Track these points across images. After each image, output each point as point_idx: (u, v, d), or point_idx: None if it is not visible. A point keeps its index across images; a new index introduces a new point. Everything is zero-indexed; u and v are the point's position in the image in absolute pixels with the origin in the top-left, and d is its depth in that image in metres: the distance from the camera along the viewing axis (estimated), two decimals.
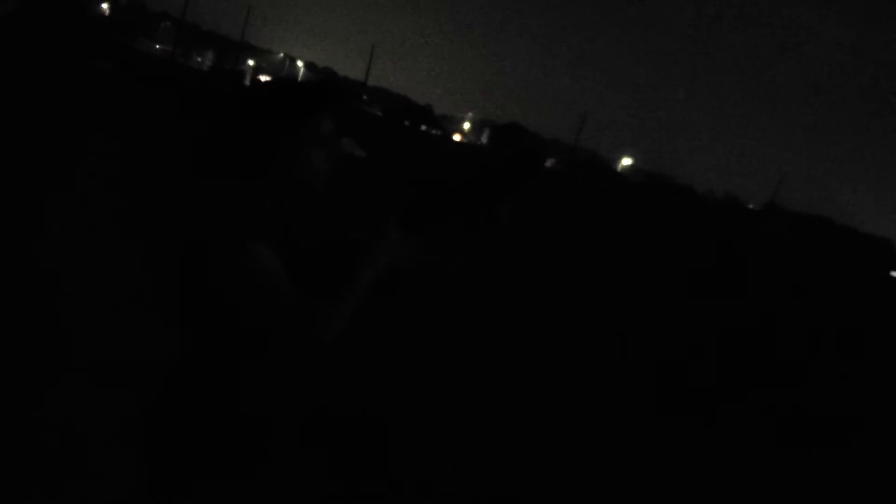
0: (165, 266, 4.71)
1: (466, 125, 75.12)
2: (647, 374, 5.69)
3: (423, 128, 57.99)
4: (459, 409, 3.93)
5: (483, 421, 3.86)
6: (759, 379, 6.68)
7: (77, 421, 2.79)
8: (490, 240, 1.47)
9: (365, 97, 56.09)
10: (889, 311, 18.01)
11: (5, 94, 10.10)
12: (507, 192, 1.43)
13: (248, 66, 57.74)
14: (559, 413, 4.30)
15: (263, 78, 49.73)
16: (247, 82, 41.49)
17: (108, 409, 2.89)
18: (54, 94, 11.87)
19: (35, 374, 3.02)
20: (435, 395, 4.02)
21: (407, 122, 55.19)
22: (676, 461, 4.09)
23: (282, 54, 73.77)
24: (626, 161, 74.48)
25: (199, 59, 45.86)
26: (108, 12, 55.84)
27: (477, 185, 1.44)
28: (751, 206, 73.57)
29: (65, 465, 2.52)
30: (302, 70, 69.48)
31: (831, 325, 11.82)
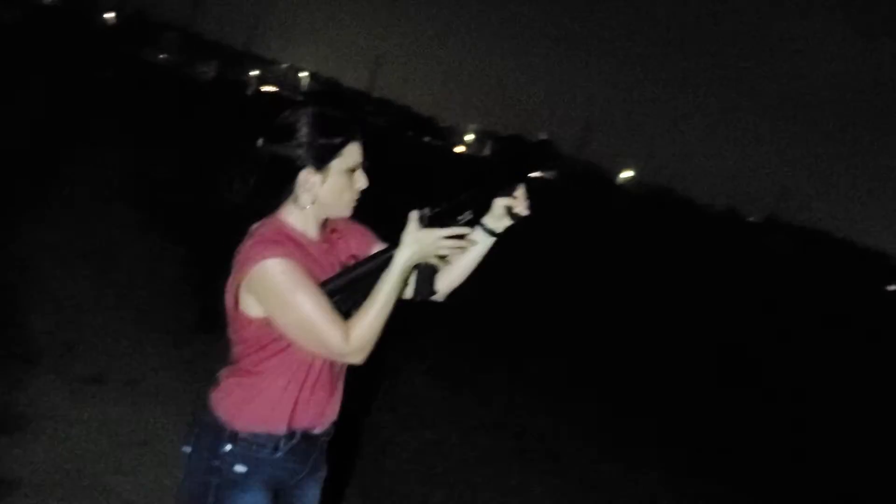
0: (183, 279, 4.76)
1: (469, 137, 75.07)
2: (643, 387, 5.74)
3: (427, 139, 58.06)
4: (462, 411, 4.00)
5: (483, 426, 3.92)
6: (754, 393, 6.70)
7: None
8: (514, 233, 1.52)
9: (369, 108, 56.17)
10: (886, 327, 17.97)
11: (9, 101, 10.19)
12: (520, 178, 1.46)
13: (251, 76, 57.88)
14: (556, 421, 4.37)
15: (266, 88, 49.81)
16: (249, 93, 41.59)
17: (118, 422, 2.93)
18: (58, 102, 11.96)
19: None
20: (440, 396, 4.09)
21: (410, 134, 55.27)
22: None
23: (286, 65, 73.75)
24: (627, 174, 74.30)
25: (204, 70, 45.89)
26: (113, 22, 56.03)
27: (492, 173, 1.48)
28: (751, 218, 73.30)
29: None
30: (306, 81, 69.50)
31: (830, 338, 11.82)
